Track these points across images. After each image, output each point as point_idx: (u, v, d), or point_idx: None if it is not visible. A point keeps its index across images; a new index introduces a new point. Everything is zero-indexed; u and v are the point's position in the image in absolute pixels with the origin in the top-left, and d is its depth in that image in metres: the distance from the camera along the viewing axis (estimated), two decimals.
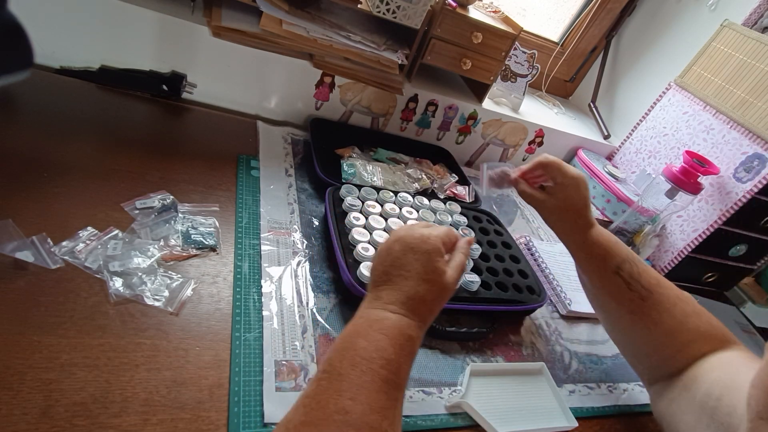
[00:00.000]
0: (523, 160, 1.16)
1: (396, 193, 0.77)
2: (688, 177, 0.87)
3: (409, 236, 0.47)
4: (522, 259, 0.78)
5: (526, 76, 1.10)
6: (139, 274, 0.51)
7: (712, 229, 0.94)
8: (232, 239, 0.61)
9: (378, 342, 0.38)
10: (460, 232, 0.76)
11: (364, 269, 0.59)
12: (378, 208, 0.72)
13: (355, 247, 0.63)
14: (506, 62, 1.07)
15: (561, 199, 0.62)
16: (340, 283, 0.61)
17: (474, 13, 0.92)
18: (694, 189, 0.88)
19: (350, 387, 0.34)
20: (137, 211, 0.58)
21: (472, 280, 0.66)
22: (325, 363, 0.38)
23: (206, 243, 0.58)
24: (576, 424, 0.58)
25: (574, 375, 0.66)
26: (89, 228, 0.53)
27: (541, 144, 1.14)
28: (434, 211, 0.78)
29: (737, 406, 0.42)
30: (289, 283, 0.59)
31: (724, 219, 0.92)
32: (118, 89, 0.78)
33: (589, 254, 0.61)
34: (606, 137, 1.24)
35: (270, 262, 0.60)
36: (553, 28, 1.33)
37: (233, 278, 0.56)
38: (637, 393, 0.68)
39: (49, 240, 0.50)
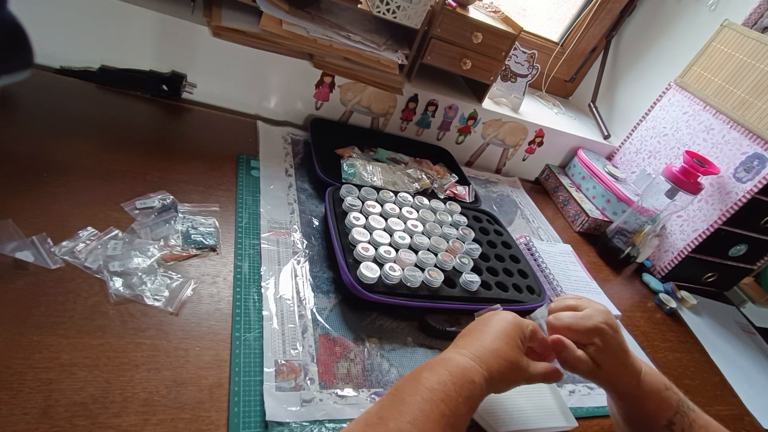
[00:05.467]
0: (523, 160, 1.16)
1: (396, 193, 0.77)
2: (688, 177, 0.87)
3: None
4: (522, 259, 0.78)
5: (526, 76, 1.10)
6: (139, 274, 0.51)
7: (712, 229, 0.94)
8: (232, 239, 0.61)
9: (441, 377, 0.40)
10: (460, 231, 0.76)
11: (364, 269, 0.59)
12: (378, 208, 0.72)
13: (355, 247, 0.63)
14: (506, 62, 1.07)
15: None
16: (340, 283, 0.61)
17: (474, 13, 0.92)
18: (694, 189, 0.88)
19: (411, 411, 0.36)
20: (137, 211, 0.58)
21: (472, 280, 0.66)
22: (392, 387, 0.40)
23: (206, 243, 0.58)
24: (576, 424, 0.58)
25: (574, 375, 0.66)
26: (89, 228, 0.53)
27: (541, 144, 1.14)
28: (434, 211, 0.78)
29: None
30: (289, 283, 0.59)
31: (724, 219, 0.92)
32: (118, 89, 0.78)
33: (641, 406, 0.51)
34: (606, 137, 1.24)
35: (270, 262, 0.60)
36: (553, 28, 1.33)
37: (233, 278, 0.56)
38: None
39: (49, 240, 0.50)
